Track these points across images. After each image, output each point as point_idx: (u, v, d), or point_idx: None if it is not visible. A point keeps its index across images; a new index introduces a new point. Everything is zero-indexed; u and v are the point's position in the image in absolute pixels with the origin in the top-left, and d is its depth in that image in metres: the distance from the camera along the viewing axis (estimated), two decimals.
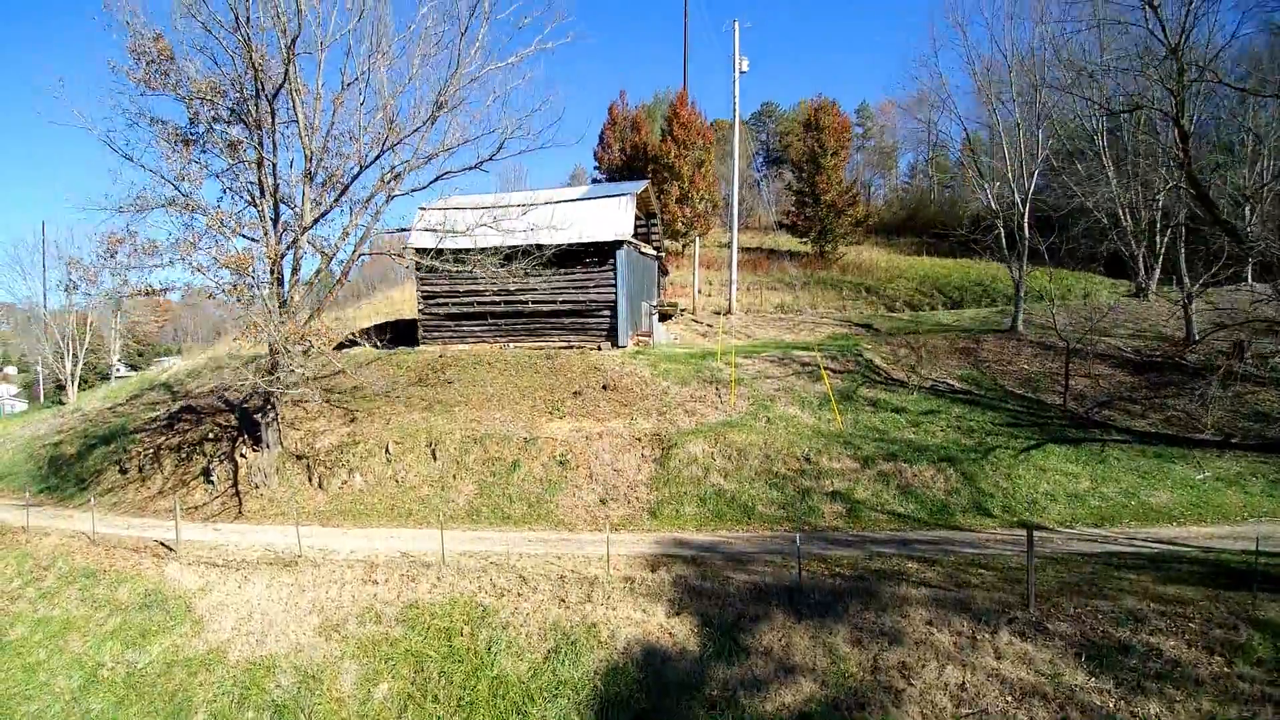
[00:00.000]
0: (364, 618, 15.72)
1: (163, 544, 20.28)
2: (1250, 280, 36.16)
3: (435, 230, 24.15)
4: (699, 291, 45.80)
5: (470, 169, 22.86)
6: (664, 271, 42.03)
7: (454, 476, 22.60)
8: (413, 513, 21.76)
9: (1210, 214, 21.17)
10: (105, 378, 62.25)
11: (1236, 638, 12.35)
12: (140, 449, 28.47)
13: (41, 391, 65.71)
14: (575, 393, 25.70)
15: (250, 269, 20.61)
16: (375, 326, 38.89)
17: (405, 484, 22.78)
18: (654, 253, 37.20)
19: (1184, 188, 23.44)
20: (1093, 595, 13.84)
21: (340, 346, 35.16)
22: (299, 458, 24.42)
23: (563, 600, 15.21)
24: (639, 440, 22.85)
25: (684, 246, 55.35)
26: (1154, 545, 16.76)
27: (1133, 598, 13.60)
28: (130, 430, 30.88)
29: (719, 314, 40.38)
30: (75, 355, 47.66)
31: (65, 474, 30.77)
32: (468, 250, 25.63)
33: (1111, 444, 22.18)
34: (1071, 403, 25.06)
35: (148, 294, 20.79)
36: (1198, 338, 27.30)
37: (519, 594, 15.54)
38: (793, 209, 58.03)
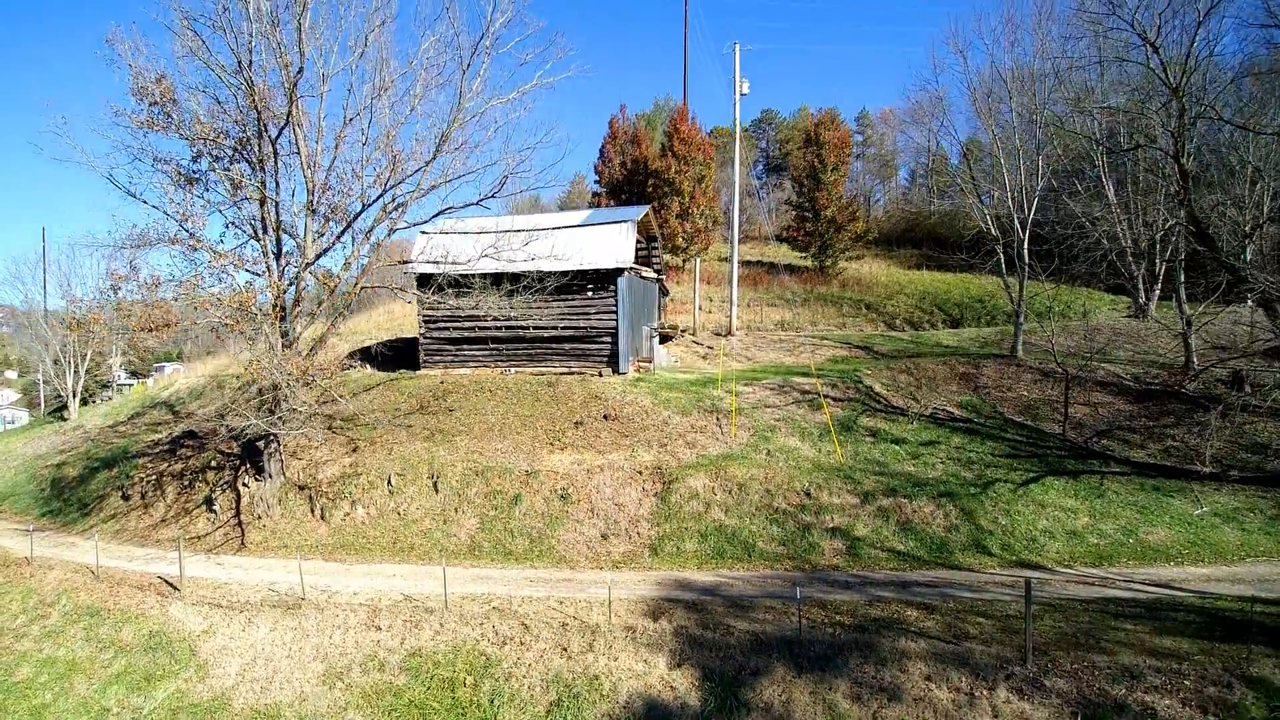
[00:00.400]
0: (368, 665, 15.89)
1: (166, 581, 20.47)
2: (1251, 301, 36.34)
3: (438, 262, 24.36)
4: (699, 308, 45.88)
5: (473, 204, 23.09)
6: (664, 292, 42.22)
7: (456, 510, 22.77)
8: (415, 547, 21.92)
9: (1211, 251, 21.38)
10: (106, 386, 62.43)
11: (1230, 696, 12.51)
12: (143, 475, 28.66)
13: (43, 399, 65.94)
14: (576, 423, 25.87)
15: (253, 305, 20.77)
16: (377, 345, 39.08)
17: (407, 517, 22.94)
18: (654, 275, 37.37)
19: (1184, 225, 23.66)
20: (1090, 649, 14.00)
21: (342, 367, 35.33)
22: (301, 488, 24.59)
23: (565, 650, 15.38)
24: (640, 474, 23.02)
25: (684, 262, 55.54)
26: (1151, 590, 16.91)
27: (1129, 651, 13.77)
28: (132, 454, 31.07)
29: (719, 335, 40.53)
30: (77, 370, 47.66)
31: (68, 497, 30.94)
32: (469, 277, 25.86)
33: (1110, 476, 22.35)
34: (1071, 432, 25.20)
35: (151, 329, 20.93)
36: (1197, 369, 27.46)
37: (521, 642, 15.71)
38: (792, 224, 58.22)
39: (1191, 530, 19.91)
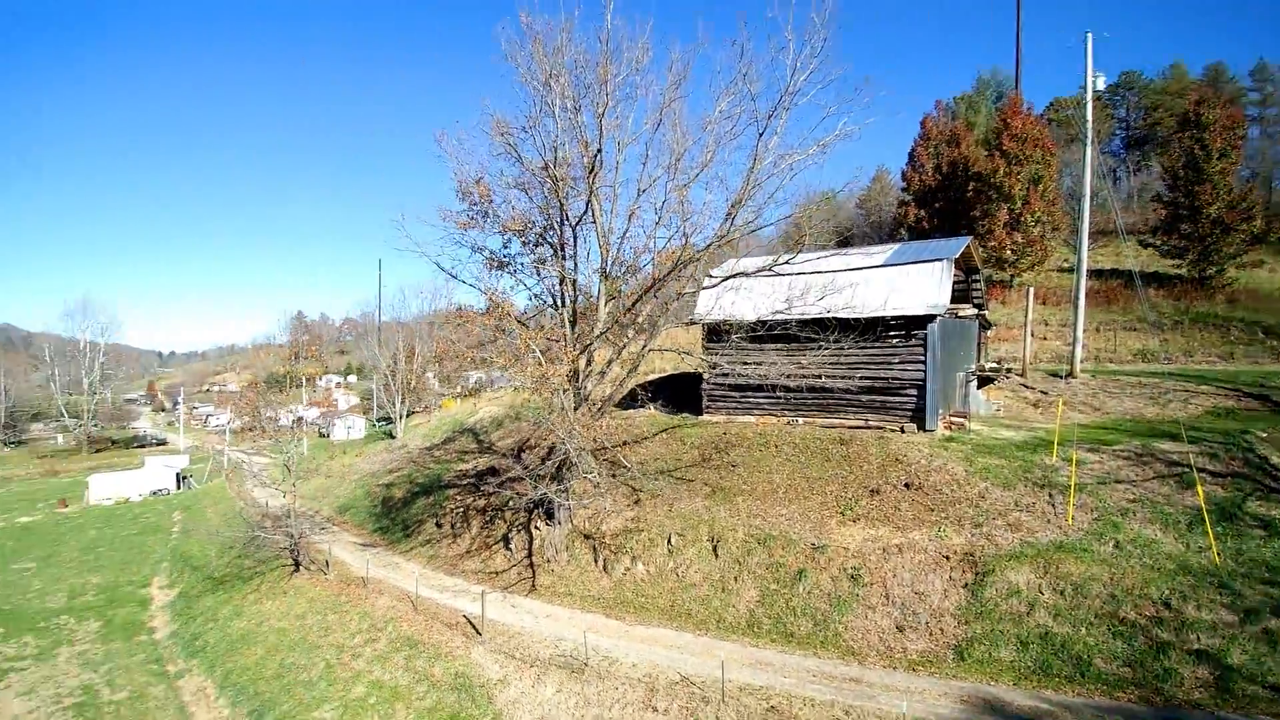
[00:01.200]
0: None
1: (470, 622, 24.23)
2: None
3: (724, 324, 25.72)
4: (1031, 334, 42.12)
5: (765, 271, 24.02)
6: (985, 326, 39.39)
7: (735, 579, 23.75)
8: (692, 613, 23.29)
9: None
10: (420, 396, 74.94)
11: None
12: (453, 506, 34.08)
13: (375, 406, 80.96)
14: (872, 490, 25.48)
15: (553, 376, 23.95)
16: (660, 382, 41.94)
17: (686, 580, 24.45)
18: (974, 311, 35.07)
19: None
20: None
21: (625, 405, 38.45)
22: (586, 537, 27.43)
23: None
24: (947, 559, 22.05)
25: (1012, 279, 51.41)
26: None
27: None
28: (444, 483, 37.01)
29: (1057, 376, 36.90)
30: (404, 399, 57.94)
31: (394, 518, 37.86)
32: (757, 328, 26.90)
33: None
34: None
35: (470, 395, 25.43)
36: None
37: None
38: (1161, 224, 50.90)
39: None
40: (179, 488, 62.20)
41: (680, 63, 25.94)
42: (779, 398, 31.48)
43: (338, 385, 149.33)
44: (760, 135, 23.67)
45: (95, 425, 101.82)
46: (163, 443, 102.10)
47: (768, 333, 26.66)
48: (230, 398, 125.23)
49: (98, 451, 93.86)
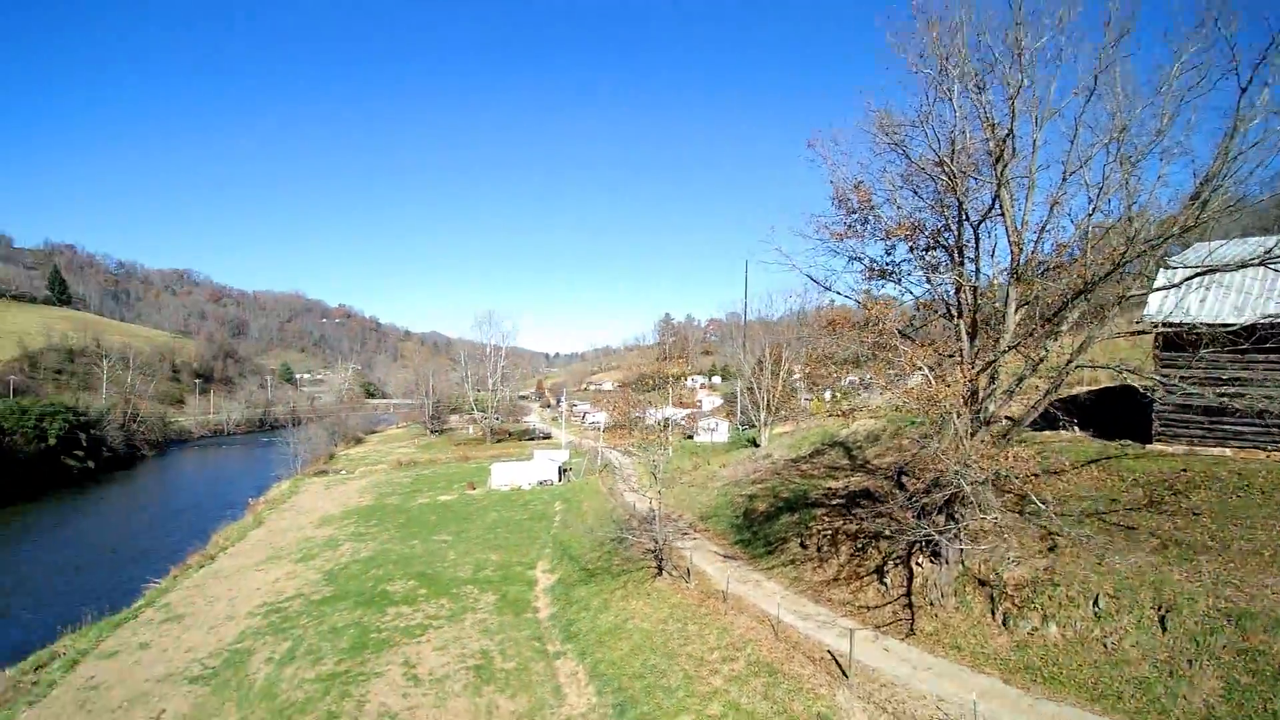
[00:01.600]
0: None
1: (835, 659, 22.60)
2: None
3: (1189, 330, 20.72)
4: None
5: (1252, 262, 18.82)
6: None
7: (1190, 662, 18.93)
8: (1123, 697, 19.04)
9: None
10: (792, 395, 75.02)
11: None
12: (820, 527, 32.62)
13: (738, 410, 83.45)
14: None
15: (945, 400, 21.44)
16: (1086, 398, 36.19)
17: (1116, 653, 20.13)
18: None
19: None
20: None
21: (1037, 426, 33.77)
22: (981, 583, 24.09)
23: None
24: None
25: None
26: None
27: None
28: (811, 501, 35.70)
29: None
30: (769, 405, 57.78)
31: (756, 531, 37.62)
32: (1240, 336, 21.38)
33: None
34: None
35: (843, 414, 23.77)
36: None
37: None
38: None
39: None
40: (560, 480, 69.02)
41: (1121, 12, 21.82)
42: (1268, 424, 24.55)
43: (702, 386, 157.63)
44: (1243, 89, 18.74)
45: (496, 419, 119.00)
46: (547, 436, 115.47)
47: (1254, 343, 20.94)
48: (603, 397, 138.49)
49: (498, 442, 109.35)
